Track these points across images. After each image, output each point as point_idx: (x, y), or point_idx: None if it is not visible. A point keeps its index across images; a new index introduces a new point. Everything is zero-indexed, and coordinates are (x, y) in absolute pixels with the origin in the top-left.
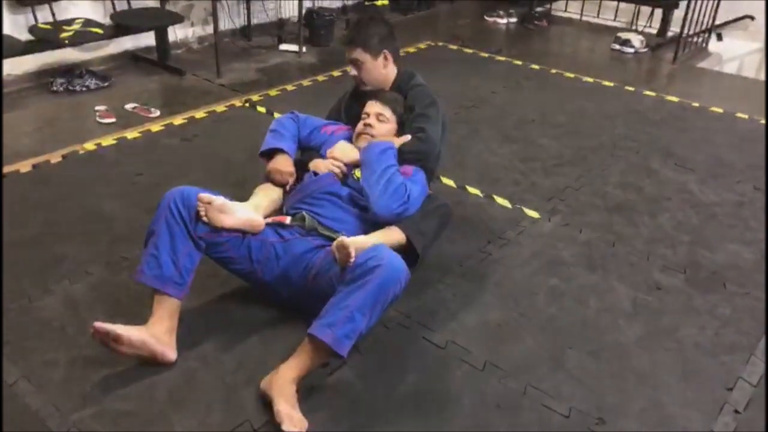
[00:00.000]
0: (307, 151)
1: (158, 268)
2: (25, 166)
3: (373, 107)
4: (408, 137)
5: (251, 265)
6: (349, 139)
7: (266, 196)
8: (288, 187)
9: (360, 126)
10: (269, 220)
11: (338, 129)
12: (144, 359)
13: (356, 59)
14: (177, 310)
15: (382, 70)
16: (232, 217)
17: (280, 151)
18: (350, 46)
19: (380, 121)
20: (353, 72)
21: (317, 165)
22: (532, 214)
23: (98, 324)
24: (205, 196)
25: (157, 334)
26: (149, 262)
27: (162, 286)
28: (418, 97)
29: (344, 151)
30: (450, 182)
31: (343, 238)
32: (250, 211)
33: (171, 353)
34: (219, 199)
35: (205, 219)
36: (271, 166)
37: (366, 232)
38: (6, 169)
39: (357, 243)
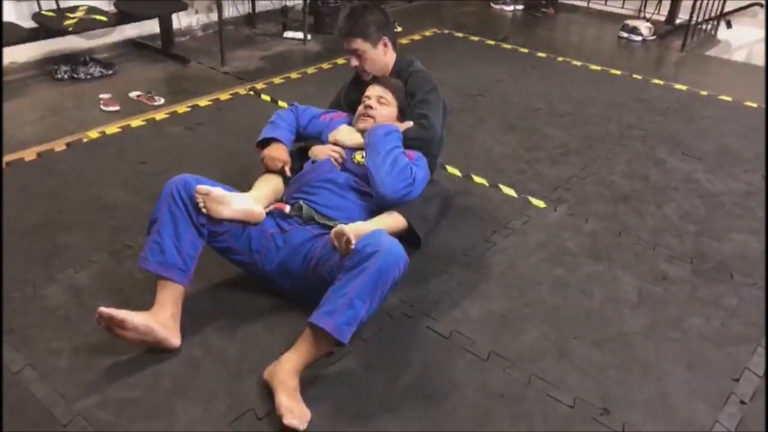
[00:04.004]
0: (309, 140)
1: (162, 254)
2: (29, 155)
3: (374, 90)
4: (410, 124)
5: (251, 255)
6: (349, 125)
7: (267, 186)
8: (288, 174)
9: (361, 108)
10: (270, 208)
11: (337, 115)
12: (148, 345)
13: (356, 49)
14: (181, 297)
15: (383, 57)
16: (231, 208)
17: (275, 140)
18: (348, 37)
19: (381, 103)
20: (354, 63)
21: (316, 151)
22: (538, 203)
23: (103, 308)
24: (203, 187)
25: (161, 319)
26: (153, 249)
27: (166, 272)
28: (419, 82)
29: (347, 134)
30: (455, 171)
31: (341, 226)
32: (249, 202)
33: (175, 339)
34: (216, 190)
35: (204, 210)
36: (265, 153)
37: (365, 218)
38: (10, 158)
39: (355, 230)
